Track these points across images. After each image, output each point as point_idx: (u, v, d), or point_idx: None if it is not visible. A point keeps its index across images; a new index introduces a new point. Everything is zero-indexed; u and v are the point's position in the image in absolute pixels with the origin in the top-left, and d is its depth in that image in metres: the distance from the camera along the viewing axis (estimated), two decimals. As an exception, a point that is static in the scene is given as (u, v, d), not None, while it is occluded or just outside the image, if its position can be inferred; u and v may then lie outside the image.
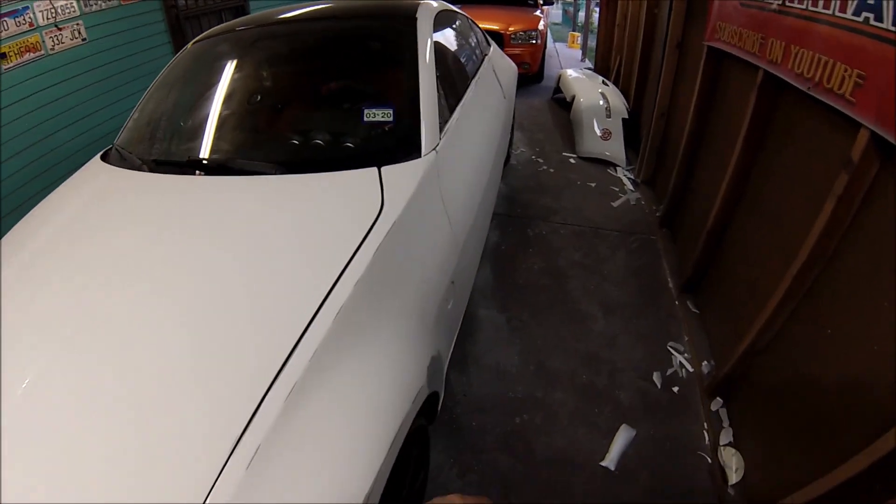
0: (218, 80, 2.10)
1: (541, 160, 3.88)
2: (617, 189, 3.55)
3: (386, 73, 2.16)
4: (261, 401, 0.92)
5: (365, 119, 1.78)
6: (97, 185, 1.78)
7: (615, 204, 3.38)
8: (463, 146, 2.00)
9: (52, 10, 3.07)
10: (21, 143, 3.00)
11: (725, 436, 1.92)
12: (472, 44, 2.96)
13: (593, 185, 3.60)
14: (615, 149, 3.92)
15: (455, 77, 2.35)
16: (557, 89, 5.33)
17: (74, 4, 3.23)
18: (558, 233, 3.06)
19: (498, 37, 5.73)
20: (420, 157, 1.64)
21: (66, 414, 0.95)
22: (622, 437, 1.94)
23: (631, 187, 3.57)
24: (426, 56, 1.97)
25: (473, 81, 2.49)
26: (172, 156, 1.87)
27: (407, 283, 1.37)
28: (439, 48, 2.19)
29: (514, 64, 3.83)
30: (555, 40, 10.17)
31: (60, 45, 3.15)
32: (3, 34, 2.80)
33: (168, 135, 2.00)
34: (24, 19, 2.92)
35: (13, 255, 1.46)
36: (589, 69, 6.05)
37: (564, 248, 2.92)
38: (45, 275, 1.33)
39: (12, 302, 1.23)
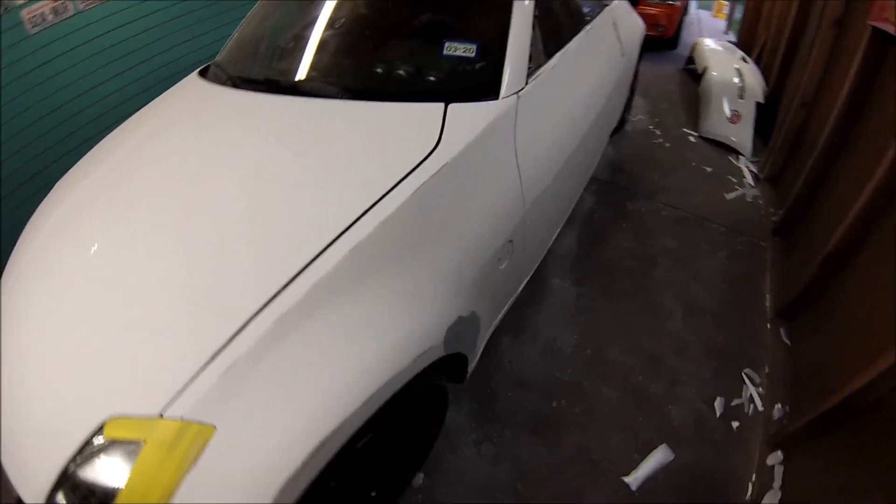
0: (311, 4, 1.97)
1: (658, 132, 3.36)
2: (734, 180, 3.02)
3: (479, 7, 1.84)
4: (250, 319, 0.92)
5: (444, 53, 1.56)
6: (185, 96, 1.82)
7: (729, 196, 2.88)
8: (556, 97, 1.72)
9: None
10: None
11: (771, 498, 1.69)
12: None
13: (709, 170, 3.09)
14: (742, 135, 3.30)
15: (560, 21, 1.99)
16: (690, 59, 4.55)
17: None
18: (659, 214, 2.68)
19: None
20: (497, 99, 1.44)
21: (91, 280, 1.12)
22: (657, 458, 1.75)
23: (751, 181, 3.03)
24: None
25: (584, 31, 2.09)
26: (254, 74, 1.81)
27: (446, 233, 1.22)
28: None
29: (641, 22, 3.20)
30: (699, 6, 8.70)
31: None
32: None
33: (255, 54, 1.94)
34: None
35: (110, 152, 1.63)
36: (731, 42, 5.04)
37: (661, 233, 2.55)
38: (124, 167, 1.50)
39: (104, 183, 1.45)
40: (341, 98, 1.51)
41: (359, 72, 1.71)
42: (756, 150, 3.25)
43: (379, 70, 1.65)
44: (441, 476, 1.65)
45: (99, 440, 0.85)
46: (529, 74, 1.57)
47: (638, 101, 3.61)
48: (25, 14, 2.45)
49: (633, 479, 1.68)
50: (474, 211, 1.30)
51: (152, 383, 0.88)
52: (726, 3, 7.77)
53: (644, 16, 4.79)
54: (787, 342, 2.08)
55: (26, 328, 1.11)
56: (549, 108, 1.66)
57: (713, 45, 4.31)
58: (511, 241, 1.46)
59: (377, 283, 1.06)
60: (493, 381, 1.86)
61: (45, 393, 0.97)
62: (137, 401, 0.87)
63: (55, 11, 2.56)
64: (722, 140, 3.30)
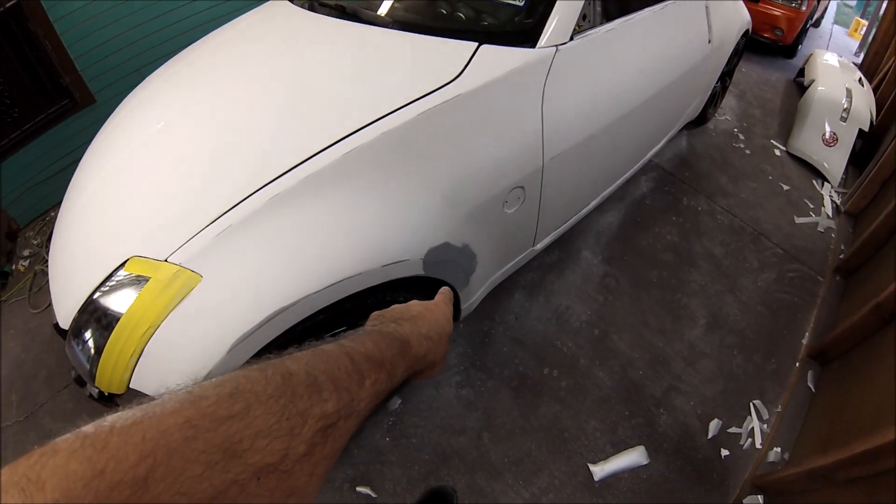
0: None
1: (742, 137, 2.85)
2: (811, 206, 2.54)
3: None
4: (250, 194, 0.99)
5: None
6: (264, 14, 1.79)
7: (799, 220, 2.42)
8: (604, 62, 1.53)
9: None
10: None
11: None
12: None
13: (786, 188, 2.60)
14: (835, 160, 2.75)
15: None
16: (802, 71, 3.79)
17: None
18: (714, 217, 2.27)
19: None
20: (533, 47, 1.30)
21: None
22: (631, 458, 1.52)
23: (829, 212, 2.53)
24: None
25: (663, 5, 1.75)
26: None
27: (446, 159, 1.16)
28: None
29: (746, 16, 2.63)
30: (835, 22, 7.30)
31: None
32: None
33: None
34: None
35: (192, 53, 1.71)
36: (853, 63, 4.21)
37: (710, 236, 2.17)
38: (195, 68, 1.60)
39: (175, 79, 1.57)
40: (387, 27, 1.43)
41: (405, 4, 1.59)
42: (845, 182, 2.82)
43: (424, 5, 1.57)
44: (414, 406, 1.52)
45: (120, 274, 0.95)
46: (578, 32, 1.38)
47: (730, 101, 3.15)
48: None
49: (599, 469, 1.49)
50: (482, 146, 1.20)
51: (166, 233, 0.97)
52: (865, 22, 6.49)
53: (762, 14, 4.13)
54: (812, 388, 1.82)
55: (94, 174, 1.28)
56: (594, 71, 1.47)
57: (831, 59, 3.59)
58: (522, 187, 1.30)
59: (365, 188, 1.05)
60: (493, 331, 1.67)
61: (87, 229, 1.13)
62: (152, 246, 0.97)
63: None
64: (810, 161, 2.75)
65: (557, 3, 1.35)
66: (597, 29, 1.47)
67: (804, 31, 4.53)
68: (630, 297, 1.82)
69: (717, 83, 2.61)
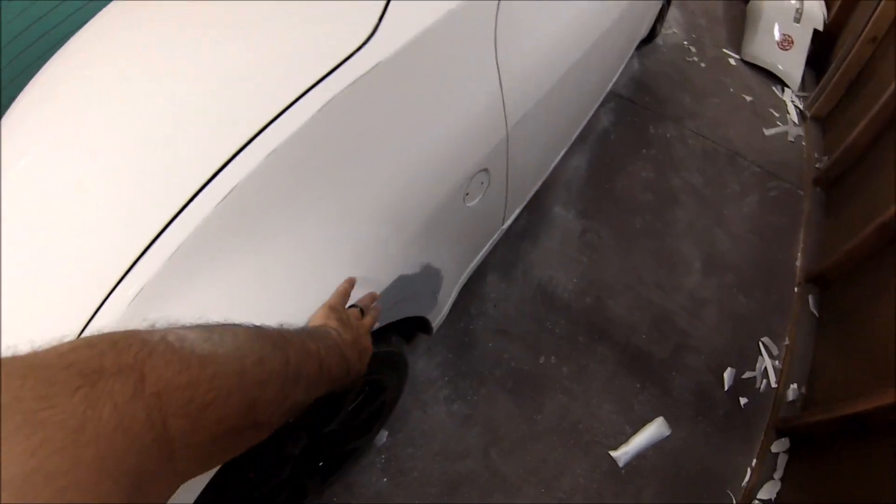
0: None
1: (693, 49, 2.72)
2: (776, 115, 2.48)
3: None
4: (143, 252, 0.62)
5: None
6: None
7: (768, 132, 2.36)
8: None
9: None
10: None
11: (768, 490, 1.40)
12: None
13: (748, 99, 2.52)
14: (792, 64, 2.68)
15: None
16: None
17: None
18: (686, 143, 2.17)
19: None
20: None
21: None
22: (650, 433, 1.42)
23: (795, 119, 2.49)
24: None
25: None
26: None
27: (376, 168, 0.81)
28: None
29: None
30: None
31: None
32: None
33: None
34: None
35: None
36: None
37: (686, 165, 2.07)
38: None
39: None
40: None
41: None
42: (805, 85, 2.69)
43: None
44: (404, 436, 1.31)
45: None
46: None
47: (673, 12, 2.95)
48: None
49: (622, 453, 1.37)
50: (425, 131, 0.87)
51: None
52: None
53: None
54: (815, 313, 1.72)
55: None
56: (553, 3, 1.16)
57: None
58: (486, 169, 1.02)
59: (263, 246, 0.69)
60: (472, 326, 1.47)
61: None
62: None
63: None
64: (768, 67, 2.69)
65: None
66: None
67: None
68: (617, 251, 1.67)
69: None
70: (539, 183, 1.51)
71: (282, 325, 0.46)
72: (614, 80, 1.94)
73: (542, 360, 1.45)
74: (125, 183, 0.68)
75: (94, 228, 0.66)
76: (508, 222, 1.36)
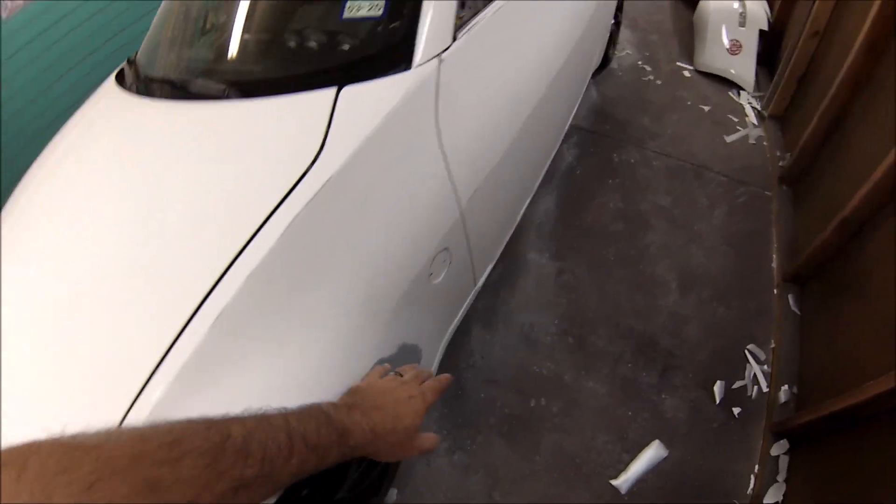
0: None
1: (648, 68, 2.86)
2: (735, 119, 2.59)
3: None
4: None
5: (345, 15, 1.14)
6: (95, 107, 1.40)
7: (730, 139, 2.46)
8: (503, 46, 1.32)
9: None
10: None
11: (774, 493, 1.45)
12: None
13: (707, 109, 2.63)
14: (743, 67, 2.80)
15: None
16: None
17: None
18: (650, 165, 2.29)
19: None
20: (409, 69, 1.04)
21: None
22: (648, 457, 1.50)
23: (754, 120, 2.59)
24: None
25: None
26: (145, 73, 1.35)
27: (345, 268, 0.92)
28: None
29: None
30: None
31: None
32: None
33: (150, 45, 1.45)
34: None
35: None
36: None
37: (653, 188, 2.19)
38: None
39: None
40: (226, 98, 1.11)
41: (238, 63, 1.28)
42: (759, 85, 2.79)
43: (261, 57, 1.26)
44: (412, 491, 1.43)
45: None
46: (461, 26, 1.17)
47: (625, 33, 3.11)
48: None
49: (622, 481, 1.45)
50: (382, 228, 0.98)
51: None
52: None
53: None
54: (797, 311, 1.78)
55: None
56: (491, 66, 1.26)
57: None
58: (446, 248, 1.13)
59: (250, 355, 0.79)
60: (462, 380, 1.60)
61: None
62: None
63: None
64: (721, 73, 2.83)
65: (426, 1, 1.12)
66: (482, 14, 1.26)
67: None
68: (593, 286, 1.77)
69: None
70: (507, 237, 1.65)
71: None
72: (571, 117, 2.08)
73: (532, 402, 1.56)
74: (123, 309, 0.82)
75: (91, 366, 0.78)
76: (481, 280, 1.50)
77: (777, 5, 2.88)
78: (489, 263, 1.53)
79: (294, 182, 0.87)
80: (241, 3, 1.32)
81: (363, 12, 1.14)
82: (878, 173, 1.40)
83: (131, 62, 1.45)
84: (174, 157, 1.05)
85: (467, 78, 1.17)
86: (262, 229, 0.82)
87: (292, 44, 1.23)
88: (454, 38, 1.13)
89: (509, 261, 1.86)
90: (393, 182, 1.01)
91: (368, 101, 1.00)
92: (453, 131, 1.10)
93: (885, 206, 1.43)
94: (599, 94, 2.65)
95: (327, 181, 0.88)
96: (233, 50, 1.28)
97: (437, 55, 1.08)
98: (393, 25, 1.12)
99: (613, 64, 2.85)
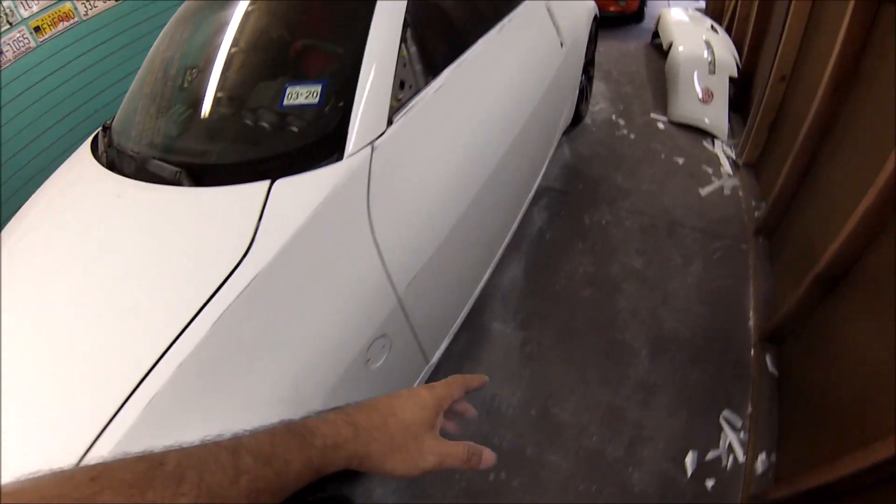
0: (174, 49, 1.60)
1: (622, 122, 2.93)
2: (710, 170, 2.60)
3: (328, 29, 1.45)
4: None
5: (284, 103, 1.20)
6: (65, 177, 1.51)
7: (704, 191, 2.46)
8: (449, 126, 1.36)
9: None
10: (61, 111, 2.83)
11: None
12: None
13: (681, 161, 2.65)
14: (716, 116, 2.85)
15: (455, 24, 1.62)
16: (656, 33, 4.05)
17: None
18: (622, 224, 2.31)
19: None
20: (341, 159, 1.08)
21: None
22: None
23: (729, 170, 2.60)
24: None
25: (496, 28, 1.70)
26: (116, 141, 1.44)
27: (274, 357, 0.94)
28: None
29: (591, 1, 2.77)
30: None
31: (94, 9, 2.83)
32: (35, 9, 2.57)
33: (121, 119, 1.56)
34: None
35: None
36: (699, 10, 4.49)
37: (625, 248, 2.20)
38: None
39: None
40: (173, 183, 1.15)
41: (185, 146, 1.33)
42: (734, 132, 2.81)
43: (207, 142, 1.31)
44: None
45: None
46: (400, 107, 1.23)
47: (599, 86, 3.20)
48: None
49: (588, 564, 1.39)
50: (312, 320, 1.00)
51: None
52: None
53: None
54: (774, 372, 1.72)
55: None
56: (434, 145, 1.31)
57: (679, 15, 3.84)
58: (384, 335, 1.16)
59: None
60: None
61: None
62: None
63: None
64: (694, 124, 2.89)
65: (359, 87, 1.14)
66: (423, 92, 1.31)
67: (645, -7, 4.82)
68: (559, 356, 1.77)
69: (581, 79, 2.60)
70: (463, 312, 1.67)
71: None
72: (539, 179, 2.12)
73: (491, 476, 1.54)
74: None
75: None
76: (436, 356, 1.52)
77: (745, 50, 2.93)
78: (442, 341, 1.55)
79: (225, 276, 0.92)
80: (198, 83, 1.42)
81: (301, 100, 1.19)
82: (849, 225, 1.35)
83: (105, 128, 1.55)
84: (121, 241, 1.10)
85: (405, 162, 1.21)
86: (195, 321, 0.87)
87: (235, 132, 1.30)
88: (390, 123, 1.18)
89: (474, 331, 1.88)
90: (323, 274, 1.03)
91: (299, 194, 1.03)
92: (387, 221, 1.13)
93: (858, 259, 1.38)
94: (572, 151, 2.72)
95: (254, 277, 0.92)
96: (182, 133, 1.37)
97: (370, 143, 1.13)
98: (327, 114, 1.16)
99: (587, 119, 2.93)
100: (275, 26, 1.49)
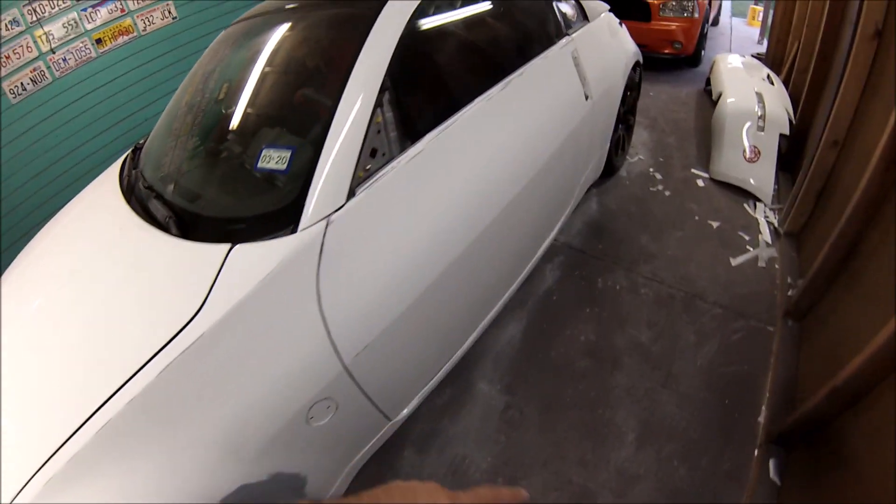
0: (193, 84, 1.76)
1: (658, 176, 2.77)
2: (747, 238, 2.39)
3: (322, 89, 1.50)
4: None
5: (259, 164, 1.25)
6: (91, 195, 1.69)
7: (736, 261, 2.28)
8: (428, 190, 1.36)
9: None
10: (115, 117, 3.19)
11: None
12: (532, 24, 2.03)
13: (715, 225, 2.47)
14: (762, 176, 2.62)
15: (448, 82, 1.62)
16: (709, 80, 3.83)
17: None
18: (637, 292, 2.19)
19: (644, 7, 4.31)
20: (295, 232, 1.12)
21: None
22: None
23: (768, 238, 2.38)
24: (370, 60, 1.31)
25: (501, 84, 1.66)
26: (135, 170, 1.61)
27: (214, 404, 1.02)
28: (427, 39, 1.55)
29: (631, 45, 2.65)
30: (733, 14, 7.59)
31: (151, 25, 3.22)
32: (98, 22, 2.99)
33: (148, 144, 1.74)
34: (115, 6, 3.04)
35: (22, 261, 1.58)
36: (757, 57, 4.23)
37: (633, 320, 2.07)
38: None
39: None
40: (164, 230, 1.25)
41: (178, 191, 1.43)
42: (779, 195, 2.59)
43: (192, 186, 1.43)
44: None
45: None
46: (367, 178, 1.24)
47: (641, 135, 3.04)
48: (6, 86, 2.75)
49: None
50: (251, 380, 1.06)
51: None
52: (760, 7, 6.49)
53: (657, 32, 4.44)
54: (776, 480, 1.55)
55: None
56: (401, 214, 1.30)
57: (734, 62, 3.63)
58: (328, 397, 1.18)
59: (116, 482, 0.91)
60: None
61: None
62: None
63: (33, 81, 2.85)
64: (737, 183, 2.69)
65: (322, 156, 1.17)
66: (395, 161, 1.31)
67: (703, 36, 4.78)
68: (539, 428, 1.70)
69: (618, 129, 2.56)
70: (441, 374, 1.64)
71: None
72: (547, 242, 2.06)
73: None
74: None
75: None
76: (402, 414, 1.51)
77: (801, 105, 2.70)
78: (410, 401, 1.53)
79: (178, 329, 1.00)
80: (202, 125, 1.58)
81: (272, 164, 1.25)
82: (878, 340, 1.18)
83: (136, 149, 1.76)
84: (107, 279, 1.22)
85: (364, 236, 1.21)
86: (147, 365, 0.96)
87: (219, 184, 1.42)
88: (352, 195, 1.19)
89: (459, 388, 1.85)
90: (267, 339, 1.08)
91: (251, 262, 1.09)
92: (337, 295, 1.15)
93: (884, 378, 1.21)
94: (600, 205, 2.61)
95: (200, 336, 1.00)
96: (181, 173, 1.50)
97: (326, 217, 1.15)
98: (290, 183, 1.20)
99: (623, 171, 2.79)
100: (278, 76, 1.60)
